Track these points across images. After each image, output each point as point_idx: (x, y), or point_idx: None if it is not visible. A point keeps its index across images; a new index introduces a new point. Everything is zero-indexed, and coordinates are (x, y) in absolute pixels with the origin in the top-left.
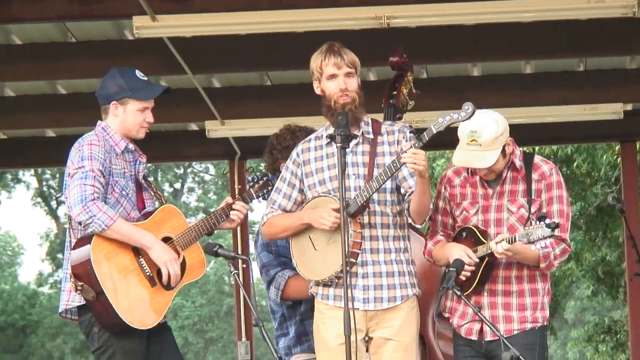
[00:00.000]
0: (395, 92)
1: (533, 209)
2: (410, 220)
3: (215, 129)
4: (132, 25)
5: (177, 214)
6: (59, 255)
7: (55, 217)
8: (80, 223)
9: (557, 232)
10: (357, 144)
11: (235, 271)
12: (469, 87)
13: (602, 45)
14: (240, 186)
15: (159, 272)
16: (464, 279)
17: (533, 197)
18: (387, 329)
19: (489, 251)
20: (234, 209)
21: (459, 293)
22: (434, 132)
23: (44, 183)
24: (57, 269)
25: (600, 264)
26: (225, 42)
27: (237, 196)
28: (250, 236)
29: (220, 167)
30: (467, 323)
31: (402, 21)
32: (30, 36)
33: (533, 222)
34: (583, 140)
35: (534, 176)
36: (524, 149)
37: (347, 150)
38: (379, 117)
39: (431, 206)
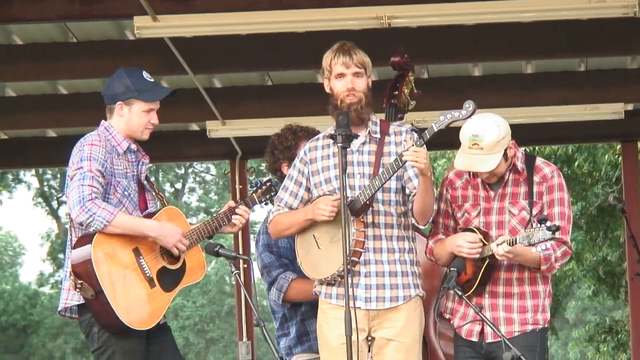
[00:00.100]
0: (397, 92)
1: (534, 212)
2: (414, 221)
3: (216, 129)
4: (133, 25)
5: (179, 215)
6: (60, 256)
7: (56, 217)
8: (81, 224)
9: (558, 235)
10: (363, 144)
11: (237, 271)
12: (469, 87)
13: (602, 45)
14: (241, 186)
15: (159, 273)
16: (471, 257)
17: (534, 199)
18: (389, 329)
19: (490, 253)
20: (236, 213)
21: (460, 293)
22: (435, 130)
23: (45, 183)
24: (58, 269)
25: (601, 264)
26: (226, 42)
27: (239, 199)
28: (252, 236)
29: (221, 167)
30: (467, 324)
31: (403, 21)
32: (31, 36)
33: (534, 225)
34: (583, 140)
35: (536, 178)
36: (525, 149)
37: (354, 149)
38: (380, 117)
39: (435, 207)
